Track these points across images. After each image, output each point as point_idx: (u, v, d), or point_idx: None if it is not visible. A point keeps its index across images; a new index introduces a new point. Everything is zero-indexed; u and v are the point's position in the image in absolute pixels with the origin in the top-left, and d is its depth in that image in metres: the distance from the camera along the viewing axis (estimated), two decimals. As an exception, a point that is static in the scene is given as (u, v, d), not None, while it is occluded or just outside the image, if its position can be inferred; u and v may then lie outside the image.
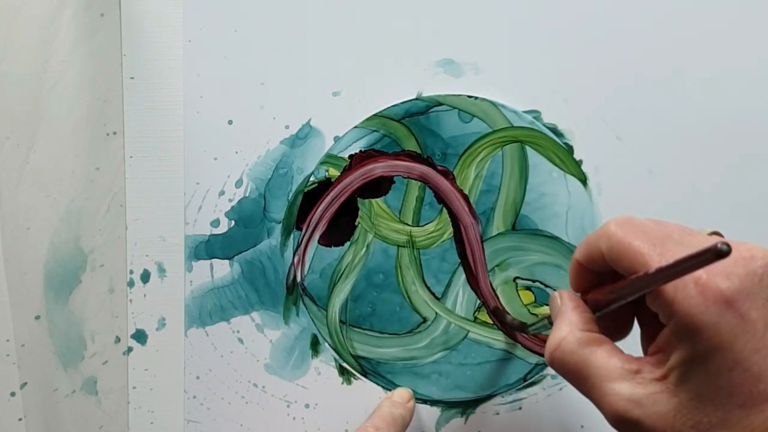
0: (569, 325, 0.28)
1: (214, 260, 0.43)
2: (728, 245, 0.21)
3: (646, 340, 0.29)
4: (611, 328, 0.29)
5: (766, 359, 0.24)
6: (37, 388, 0.43)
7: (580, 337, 0.27)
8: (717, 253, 0.21)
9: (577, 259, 0.29)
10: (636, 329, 0.31)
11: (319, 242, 0.43)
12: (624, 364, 0.26)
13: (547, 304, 0.42)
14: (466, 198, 0.43)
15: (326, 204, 0.43)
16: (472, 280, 0.43)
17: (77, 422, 0.43)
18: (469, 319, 0.43)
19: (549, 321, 0.31)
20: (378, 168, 0.43)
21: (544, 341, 0.42)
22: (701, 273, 0.24)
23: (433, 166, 0.43)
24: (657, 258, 0.25)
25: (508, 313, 0.42)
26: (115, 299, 0.43)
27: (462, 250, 0.43)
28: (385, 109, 0.43)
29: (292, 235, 0.43)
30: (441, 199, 0.43)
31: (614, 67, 0.43)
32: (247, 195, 0.43)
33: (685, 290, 0.24)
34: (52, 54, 0.42)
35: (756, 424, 0.24)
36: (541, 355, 0.42)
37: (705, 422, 0.24)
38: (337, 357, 0.43)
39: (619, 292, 0.27)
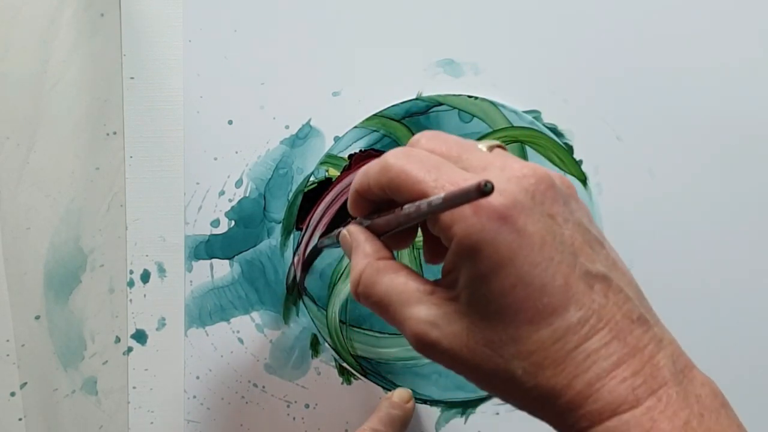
0: (365, 257, 0.28)
1: (214, 260, 0.43)
2: (491, 184, 0.21)
3: (429, 250, 0.30)
4: (396, 240, 0.30)
5: (547, 272, 0.24)
6: (37, 388, 0.43)
7: (377, 266, 0.27)
8: (480, 192, 0.21)
9: (357, 190, 0.29)
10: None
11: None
12: (420, 286, 0.26)
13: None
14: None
15: (326, 204, 0.43)
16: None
17: (77, 422, 0.43)
18: (469, 319, 0.43)
19: (337, 239, 0.32)
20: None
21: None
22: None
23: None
24: (432, 184, 0.25)
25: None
26: (115, 299, 0.43)
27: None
28: (385, 109, 0.43)
29: (292, 235, 0.43)
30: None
31: (614, 67, 0.43)
32: (247, 195, 0.43)
33: (460, 212, 0.24)
34: (52, 54, 0.42)
35: (545, 337, 0.24)
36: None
37: (496, 340, 0.24)
38: (337, 357, 0.43)
39: (398, 220, 0.27)
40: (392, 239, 0.30)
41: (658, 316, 0.26)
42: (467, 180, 0.25)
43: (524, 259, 0.24)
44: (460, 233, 0.24)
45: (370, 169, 0.28)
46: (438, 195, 0.24)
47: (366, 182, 0.28)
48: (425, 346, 0.26)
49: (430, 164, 0.26)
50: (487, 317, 0.24)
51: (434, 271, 0.35)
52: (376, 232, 0.29)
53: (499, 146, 0.28)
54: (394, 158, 0.27)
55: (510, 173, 0.25)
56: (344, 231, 0.31)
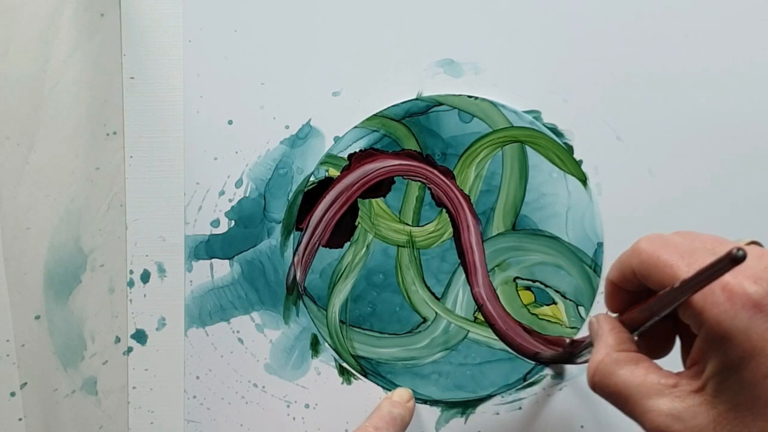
0: (606, 347, 0.28)
1: (214, 260, 0.43)
2: (743, 250, 0.21)
3: (686, 355, 0.29)
4: (653, 346, 0.29)
5: None
6: (37, 388, 0.43)
7: (617, 357, 0.27)
8: (732, 259, 0.21)
9: (610, 279, 0.29)
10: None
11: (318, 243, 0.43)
12: (661, 379, 0.26)
13: (547, 304, 0.43)
14: (467, 198, 0.43)
15: (326, 204, 0.43)
16: (473, 282, 0.43)
17: (77, 422, 0.43)
18: (469, 319, 0.43)
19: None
20: (377, 169, 0.43)
21: (546, 342, 0.42)
22: (728, 279, 0.24)
23: (433, 165, 0.43)
24: (685, 269, 0.25)
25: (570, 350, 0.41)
26: (115, 299, 0.43)
27: (461, 250, 0.43)
28: (385, 109, 0.43)
29: (292, 235, 0.43)
30: (439, 201, 0.43)
31: (614, 67, 0.43)
32: (247, 195, 0.43)
33: (713, 298, 0.24)
34: (52, 54, 0.42)
35: None
36: (541, 358, 0.42)
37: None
38: (337, 357, 0.43)
39: (651, 309, 0.27)
40: (650, 346, 0.29)
41: None
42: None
43: None
44: (712, 319, 0.24)
45: (622, 255, 0.28)
46: (689, 273, 0.24)
47: (619, 269, 0.28)
48: None
49: (684, 250, 0.26)
50: (736, 408, 0.24)
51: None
52: (630, 327, 0.29)
53: (755, 242, 0.28)
54: (647, 242, 0.27)
55: (766, 259, 0.24)
56: (592, 318, 0.30)
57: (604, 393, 0.27)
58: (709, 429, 0.24)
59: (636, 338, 0.29)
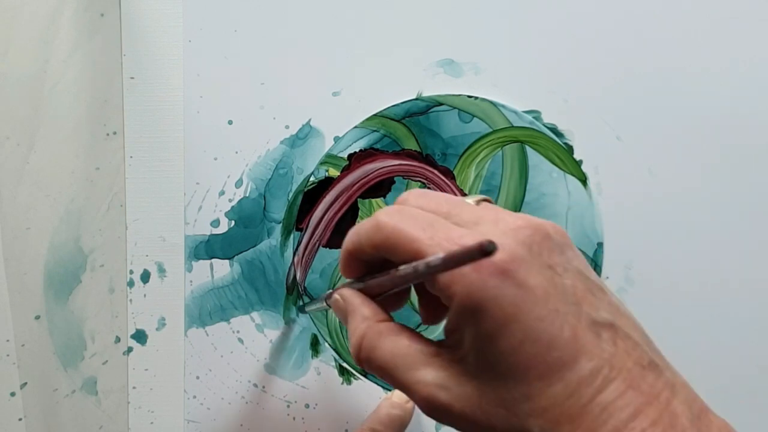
0: (364, 321, 0.27)
1: (214, 260, 0.43)
2: (494, 244, 0.21)
3: (425, 310, 0.29)
4: (389, 302, 0.29)
5: (554, 325, 0.23)
6: (37, 388, 0.43)
7: (378, 329, 0.27)
8: (483, 252, 0.21)
9: (349, 249, 0.28)
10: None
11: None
12: (425, 348, 0.25)
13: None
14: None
15: (326, 204, 0.43)
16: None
17: (77, 422, 0.43)
18: (469, 319, 0.43)
19: (327, 302, 0.31)
20: (377, 169, 0.43)
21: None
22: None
23: (433, 165, 0.43)
24: (428, 242, 0.24)
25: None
26: (115, 299, 0.43)
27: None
28: (385, 109, 0.43)
29: (292, 235, 0.43)
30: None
31: (614, 67, 0.43)
32: (247, 195, 0.43)
33: (459, 270, 0.23)
34: (52, 54, 0.42)
35: (558, 392, 0.23)
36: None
37: (509, 399, 0.23)
38: (337, 357, 0.43)
39: (394, 281, 0.26)
40: (385, 301, 0.29)
41: (666, 359, 0.25)
42: (462, 237, 0.24)
43: (529, 314, 0.23)
44: (461, 292, 0.23)
45: (361, 228, 0.27)
46: (437, 255, 0.23)
47: (358, 242, 0.27)
48: (436, 410, 0.25)
49: (424, 222, 0.25)
50: (498, 376, 0.23)
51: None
52: (370, 295, 0.28)
53: (485, 200, 0.28)
54: (387, 216, 0.26)
55: (504, 226, 0.24)
56: (336, 295, 0.30)
57: (372, 367, 0.27)
58: (475, 397, 0.24)
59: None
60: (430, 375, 0.25)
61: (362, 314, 0.28)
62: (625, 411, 0.23)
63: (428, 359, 0.25)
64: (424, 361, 0.25)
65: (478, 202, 0.27)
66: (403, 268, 0.25)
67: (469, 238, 0.23)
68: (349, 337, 0.28)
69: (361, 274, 0.29)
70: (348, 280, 0.30)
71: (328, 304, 0.31)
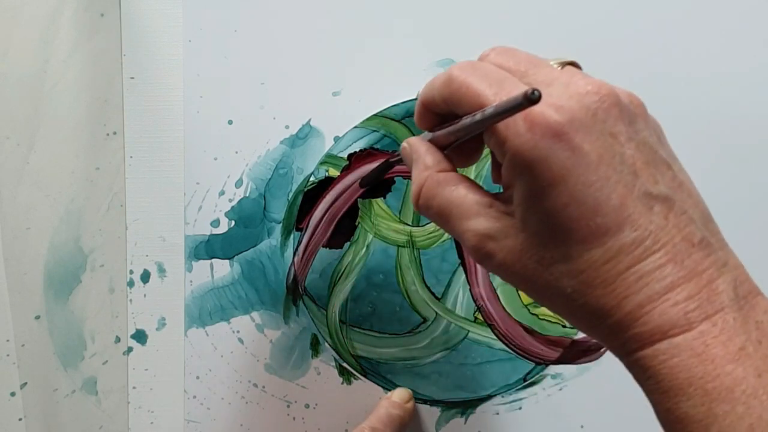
0: (426, 170, 0.28)
1: (214, 260, 0.43)
2: (538, 91, 0.21)
3: (494, 169, 0.29)
4: (461, 156, 0.29)
5: (602, 192, 0.23)
6: (37, 388, 0.43)
7: (438, 178, 0.27)
8: (528, 99, 0.21)
9: (422, 101, 0.29)
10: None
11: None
12: (480, 199, 0.26)
13: (547, 304, 0.42)
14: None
15: (326, 204, 0.43)
16: (473, 282, 0.43)
17: (77, 422, 0.43)
18: (469, 319, 0.43)
19: (386, 164, 0.32)
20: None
21: (547, 343, 0.42)
22: (531, 107, 0.23)
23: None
24: (492, 98, 0.25)
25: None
26: (115, 299, 0.43)
27: (461, 250, 0.43)
28: (385, 109, 0.43)
29: (292, 235, 0.43)
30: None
31: (613, 67, 0.43)
32: (247, 195, 0.43)
33: (515, 127, 0.24)
34: (52, 54, 0.42)
35: (596, 257, 0.23)
36: (541, 360, 0.42)
37: (547, 257, 0.24)
38: (337, 357, 0.43)
39: (456, 133, 0.27)
40: (458, 155, 0.29)
41: (724, 240, 0.25)
42: None
43: (578, 178, 0.23)
44: (513, 149, 0.24)
45: (435, 80, 0.28)
46: (491, 105, 0.24)
47: (431, 94, 0.28)
48: (482, 256, 0.26)
49: (493, 78, 0.25)
50: (540, 234, 0.24)
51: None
52: (439, 146, 0.29)
53: (571, 63, 0.28)
54: (459, 70, 0.26)
55: (573, 89, 0.24)
56: (405, 143, 0.30)
57: (429, 213, 0.28)
58: (518, 249, 0.25)
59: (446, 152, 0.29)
60: (480, 224, 0.26)
61: (425, 162, 0.28)
62: (662, 282, 0.23)
63: (481, 209, 0.26)
64: (477, 211, 0.26)
65: (562, 65, 0.27)
66: (464, 119, 0.26)
67: (520, 91, 0.23)
68: (411, 183, 0.29)
69: (433, 126, 0.30)
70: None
71: (389, 160, 0.32)
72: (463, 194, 0.27)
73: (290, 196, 0.43)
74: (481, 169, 0.43)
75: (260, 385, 0.43)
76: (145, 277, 0.43)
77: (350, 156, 0.43)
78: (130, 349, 0.43)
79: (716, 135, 0.43)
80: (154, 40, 0.43)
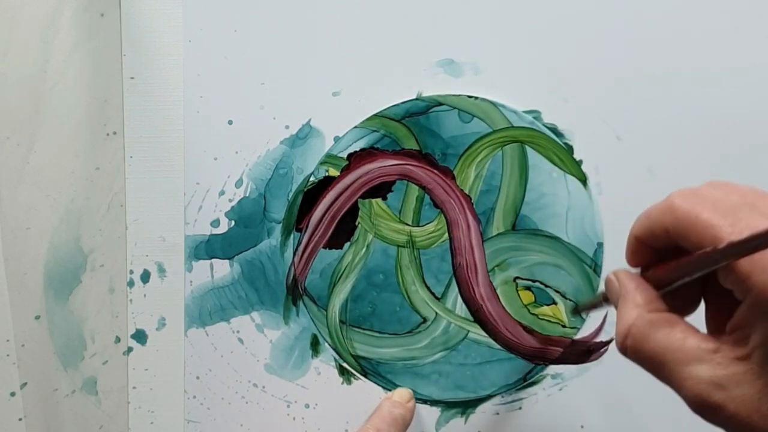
0: (636, 308, 0.26)
1: (214, 260, 0.43)
2: None
3: (712, 316, 0.27)
4: (676, 305, 0.27)
5: None
6: (37, 388, 0.43)
7: (650, 319, 0.25)
8: None
9: (636, 235, 0.27)
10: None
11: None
12: (702, 344, 0.24)
13: (547, 304, 0.42)
14: (467, 198, 0.43)
15: (326, 204, 0.43)
16: (465, 286, 0.43)
17: (77, 422, 0.43)
18: (469, 319, 0.43)
19: (604, 298, 0.30)
20: (378, 168, 0.43)
21: (547, 343, 0.42)
22: None
23: (433, 165, 0.43)
24: (728, 229, 0.23)
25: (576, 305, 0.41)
26: (115, 299, 0.43)
27: (455, 254, 0.43)
28: (385, 109, 0.43)
29: (292, 235, 0.43)
30: (436, 203, 0.43)
31: (614, 67, 0.43)
32: (247, 195, 0.43)
33: (762, 262, 0.22)
34: (52, 54, 0.42)
35: None
36: (541, 360, 0.42)
37: None
38: (337, 357, 0.43)
39: (686, 269, 0.25)
40: (674, 302, 0.27)
41: None
42: None
43: None
44: (759, 286, 0.22)
45: (651, 210, 0.26)
46: (736, 238, 0.22)
47: (647, 225, 0.26)
48: (707, 409, 0.23)
49: (724, 207, 0.24)
50: None
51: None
52: (656, 285, 0.27)
53: None
54: (682, 198, 0.25)
55: None
56: (611, 275, 0.28)
57: (638, 358, 0.25)
58: (755, 399, 0.22)
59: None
60: (706, 372, 0.23)
61: (635, 300, 0.26)
62: None
63: (705, 355, 0.24)
64: (700, 357, 0.24)
65: None
66: (697, 254, 0.24)
67: None
68: (617, 322, 0.26)
69: (648, 263, 0.28)
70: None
71: (603, 298, 0.29)
72: (680, 337, 0.24)
73: (290, 196, 0.43)
74: (482, 169, 0.43)
75: (260, 385, 0.43)
76: (145, 277, 0.43)
77: (350, 156, 0.43)
78: (130, 349, 0.43)
79: (717, 134, 0.43)
80: (154, 40, 0.43)
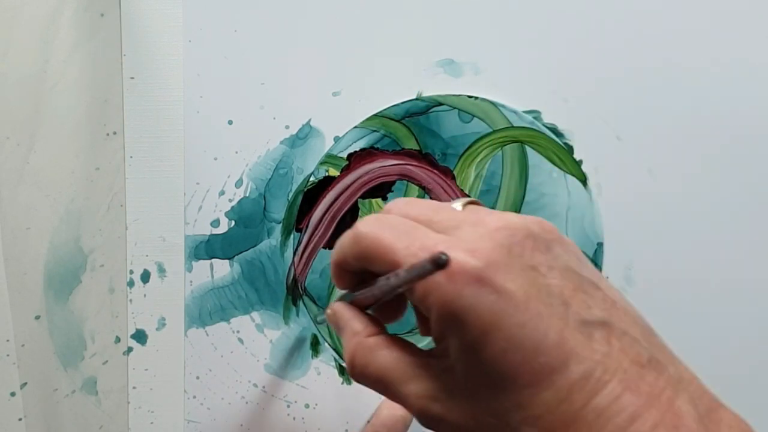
0: (355, 336, 0.27)
1: (214, 260, 0.43)
2: (446, 255, 0.20)
3: (418, 319, 0.28)
4: (387, 312, 0.29)
5: (537, 330, 0.22)
6: (37, 388, 0.43)
7: (368, 344, 0.26)
8: (436, 265, 0.20)
9: (335, 261, 0.28)
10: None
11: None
12: (414, 360, 0.25)
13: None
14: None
15: (326, 204, 0.43)
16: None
17: (77, 422, 0.43)
18: (469, 319, 0.43)
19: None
20: (378, 168, 0.43)
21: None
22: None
23: (433, 165, 0.43)
24: (404, 252, 0.24)
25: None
26: (115, 299, 0.43)
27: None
28: (385, 109, 0.43)
29: (292, 235, 0.43)
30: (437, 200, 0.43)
31: (614, 67, 0.43)
32: (247, 195, 0.43)
33: (435, 281, 0.22)
34: (52, 54, 0.42)
35: (548, 399, 0.22)
36: None
37: (500, 409, 0.23)
38: (337, 357, 0.43)
39: (375, 294, 0.26)
40: (383, 313, 0.28)
41: (672, 352, 0.24)
42: (438, 244, 0.23)
43: (510, 320, 0.22)
44: (437, 304, 0.23)
45: (344, 239, 0.27)
46: (404, 268, 0.23)
47: (341, 252, 0.27)
48: (431, 421, 0.24)
49: (401, 230, 0.25)
50: (486, 386, 0.23)
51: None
52: (361, 307, 0.28)
53: (473, 202, 0.27)
54: (365, 226, 0.25)
55: (483, 229, 0.23)
56: (329, 310, 0.29)
57: (367, 382, 0.26)
58: (467, 406, 0.23)
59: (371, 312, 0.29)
60: (421, 387, 0.24)
61: (352, 329, 0.27)
62: (622, 415, 0.22)
63: (418, 371, 0.25)
64: (415, 373, 0.25)
65: (464, 206, 0.26)
66: (380, 280, 0.25)
67: (443, 245, 0.23)
68: (343, 352, 0.28)
69: (352, 285, 0.29)
70: (342, 292, 0.30)
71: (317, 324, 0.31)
72: (396, 357, 0.25)
73: (290, 196, 0.43)
74: (482, 169, 0.43)
75: (260, 385, 0.43)
76: (145, 277, 0.43)
77: (350, 156, 0.43)
78: (130, 349, 0.43)
79: (717, 134, 0.43)
80: (154, 40, 0.43)
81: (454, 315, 0.22)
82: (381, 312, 0.28)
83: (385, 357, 0.26)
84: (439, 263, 0.20)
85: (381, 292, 0.25)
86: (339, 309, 0.29)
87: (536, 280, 0.23)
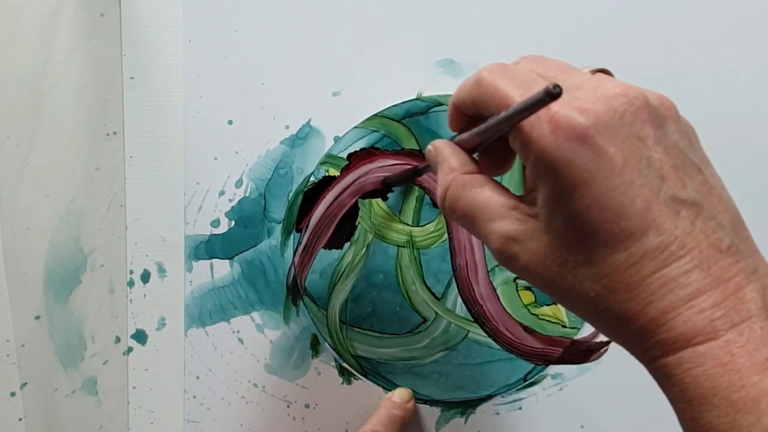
0: (451, 172, 0.28)
1: (214, 260, 0.43)
2: (559, 87, 0.20)
3: (527, 175, 0.29)
4: (494, 163, 0.29)
5: (626, 195, 0.23)
6: (37, 388, 0.43)
7: (463, 180, 0.27)
8: (549, 95, 0.21)
9: (453, 102, 0.29)
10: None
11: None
12: (504, 201, 0.26)
13: (548, 304, 0.42)
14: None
15: (326, 204, 0.43)
16: (465, 286, 0.43)
17: (77, 422, 0.43)
18: (469, 319, 0.43)
19: (412, 172, 0.32)
20: (378, 168, 0.43)
21: (547, 343, 0.42)
22: (556, 109, 0.23)
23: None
24: (518, 99, 0.24)
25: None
26: (115, 299, 0.43)
27: (455, 254, 0.43)
28: (385, 109, 0.43)
29: (292, 235, 0.43)
30: (436, 204, 0.43)
31: (614, 67, 0.43)
32: (247, 195, 0.43)
33: (539, 129, 0.23)
34: (52, 54, 0.42)
35: (620, 261, 0.23)
36: (541, 360, 0.42)
37: (571, 261, 0.24)
38: (337, 357, 0.43)
39: (482, 135, 0.27)
40: (489, 163, 0.29)
41: (756, 247, 0.25)
42: None
43: (602, 181, 0.23)
44: (537, 151, 0.24)
45: (466, 82, 0.28)
46: (515, 104, 0.24)
47: (460, 95, 0.28)
48: (506, 259, 0.26)
49: (521, 80, 0.25)
50: (563, 237, 0.24)
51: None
52: (466, 149, 0.29)
53: (602, 70, 0.27)
54: (488, 72, 0.26)
55: (601, 92, 0.24)
56: (430, 146, 0.30)
57: (454, 216, 0.28)
58: (541, 253, 0.25)
59: (477, 158, 0.29)
60: (504, 226, 0.26)
61: (450, 165, 0.28)
62: (687, 289, 0.23)
63: (506, 212, 0.26)
64: (502, 214, 0.26)
65: (594, 72, 0.27)
66: (488, 120, 0.26)
67: (558, 101, 0.23)
68: (438, 185, 0.29)
69: (463, 129, 0.29)
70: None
71: (418, 168, 0.32)
72: (488, 196, 0.26)
73: (290, 196, 0.43)
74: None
75: (260, 385, 0.43)
76: (145, 277, 0.43)
77: (350, 156, 0.43)
78: (130, 349, 0.43)
79: (716, 135, 0.43)
80: (154, 40, 0.43)
81: (549, 164, 0.23)
82: (487, 162, 0.29)
83: (477, 194, 0.27)
84: (552, 93, 0.21)
85: (489, 129, 0.26)
86: (439, 145, 0.29)
87: (639, 150, 0.23)
